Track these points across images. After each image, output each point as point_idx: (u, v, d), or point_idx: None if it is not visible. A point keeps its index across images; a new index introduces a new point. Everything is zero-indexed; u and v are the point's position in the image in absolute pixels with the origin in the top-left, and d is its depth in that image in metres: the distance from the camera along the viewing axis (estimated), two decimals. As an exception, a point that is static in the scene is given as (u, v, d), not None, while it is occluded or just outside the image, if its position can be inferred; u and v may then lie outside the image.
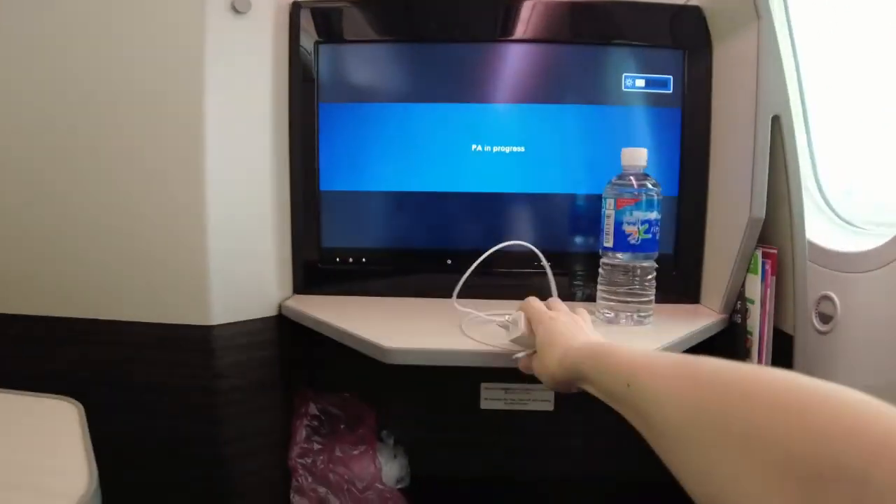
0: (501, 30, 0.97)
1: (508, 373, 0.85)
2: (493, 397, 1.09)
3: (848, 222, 1.02)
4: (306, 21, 0.95)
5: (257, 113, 0.90)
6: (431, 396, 1.09)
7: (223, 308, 0.85)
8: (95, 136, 0.84)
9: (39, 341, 0.88)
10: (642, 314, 0.83)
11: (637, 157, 0.82)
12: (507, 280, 0.98)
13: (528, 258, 0.92)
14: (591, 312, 0.87)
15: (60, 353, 0.88)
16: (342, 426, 1.02)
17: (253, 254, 0.90)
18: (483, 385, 1.08)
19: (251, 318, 0.89)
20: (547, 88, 0.97)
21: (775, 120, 0.82)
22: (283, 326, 0.93)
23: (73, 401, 0.62)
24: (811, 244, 0.98)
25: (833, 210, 1.04)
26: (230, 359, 0.86)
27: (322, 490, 0.96)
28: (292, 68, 0.94)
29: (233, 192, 0.86)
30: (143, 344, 0.85)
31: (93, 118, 0.84)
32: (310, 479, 0.96)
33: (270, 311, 0.92)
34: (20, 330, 0.88)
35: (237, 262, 0.87)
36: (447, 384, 1.07)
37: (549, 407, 1.09)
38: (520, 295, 0.81)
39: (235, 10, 0.85)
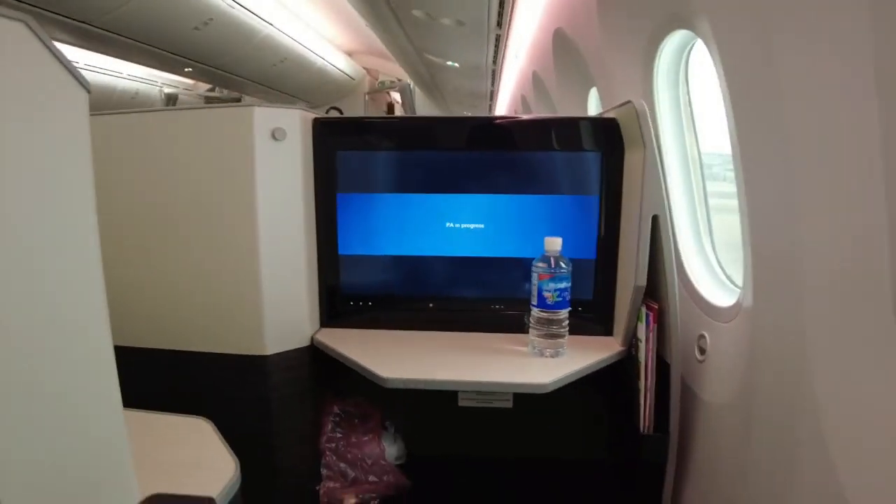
0: (467, 142, 1.36)
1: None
2: (467, 398, 1.48)
3: (733, 282, 1.34)
4: (325, 133, 1.33)
5: (293, 202, 1.28)
6: (423, 398, 1.47)
7: (274, 342, 1.26)
8: (190, 222, 1.24)
9: (159, 368, 1.28)
10: (558, 349, 1.21)
11: (554, 244, 1.19)
12: (472, 315, 1.37)
13: (488, 301, 1.34)
14: (525, 344, 1.26)
15: (160, 377, 1.27)
16: (356, 421, 1.42)
17: (293, 302, 1.30)
18: (460, 391, 1.47)
19: (292, 348, 1.29)
20: (500, 183, 1.34)
21: (655, 218, 1.17)
22: (315, 353, 1.33)
23: (206, 419, 1.02)
24: (700, 296, 1.33)
25: (724, 272, 1.37)
26: (278, 377, 1.26)
27: (342, 465, 1.37)
28: (317, 169, 1.33)
29: (278, 259, 1.25)
30: (224, 368, 1.26)
31: (186, 209, 1.23)
32: (334, 458, 1.37)
33: (305, 343, 1.32)
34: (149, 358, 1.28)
35: (282, 309, 1.27)
36: (434, 390, 1.45)
37: (509, 405, 1.48)
38: (482, 328, 1.28)
39: (275, 138, 1.23)
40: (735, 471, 1.06)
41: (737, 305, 1.15)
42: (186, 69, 5.27)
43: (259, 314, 1.23)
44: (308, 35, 5.60)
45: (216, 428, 1.00)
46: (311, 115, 1.33)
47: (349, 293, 1.39)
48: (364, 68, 8.17)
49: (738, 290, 1.19)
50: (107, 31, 3.76)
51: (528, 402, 1.46)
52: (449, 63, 4.24)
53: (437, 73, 4.99)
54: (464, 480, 1.50)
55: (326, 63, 6.51)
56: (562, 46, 2.23)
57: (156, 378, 1.27)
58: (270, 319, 1.24)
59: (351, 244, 1.37)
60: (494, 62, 3.73)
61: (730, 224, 1.22)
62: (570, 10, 1.88)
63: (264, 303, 1.23)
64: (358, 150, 1.36)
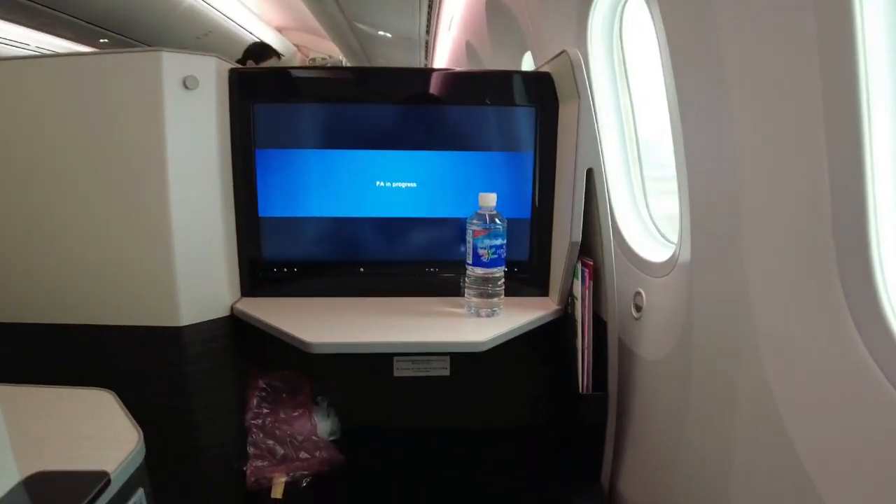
0: (398, 94, 1.27)
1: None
2: (403, 367, 1.42)
3: (666, 239, 1.35)
4: (243, 85, 1.21)
5: (207, 159, 1.17)
6: (356, 369, 1.41)
7: (188, 312, 1.15)
8: (89, 182, 1.11)
9: (59, 345, 1.15)
10: (494, 308, 1.17)
11: (488, 200, 1.14)
12: (405, 279, 1.31)
13: (422, 264, 1.27)
14: (461, 307, 1.21)
15: (58, 350, 1.16)
16: (284, 395, 1.34)
17: (209, 269, 1.19)
18: (395, 358, 1.41)
19: (210, 318, 1.19)
20: (433, 139, 1.27)
21: (590, 172, 1.14)
22: (236, 324, 1.23)
23: (108, 390, 0.92)
24: (634, 253, 1.32)
25: (657, 229, 1.37)
26: (195, 350, 1.16)
27: (270, 443, 1.28)
28: (233, 123, 1.21)
29: (191, 222, 1.14)
30: (129, 341, 1.14)
31: (84, 168, 1.10)
32: (261, 436, 1.28)
33: (224, 313, 1.22)
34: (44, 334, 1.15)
35: (198, 276, 1.16)
36: (367, 358, 1.38)
37: (446, 372, 1.43)
38: (416, 292, 1.23)
39: (186, 87, 1.12)
40: (675, 428, 1.06)
41: (672, 260, 1.15)
42: (102, 40, 4.89)
43: (171, 282, 1.12)
44: (235, 8, 5.31)
45: (119, 400, 0.89)
46: (228, 65, 1.21)
47: (272, 259, 1.29)
48: (294, 45, 7.88)
49: (673, 246, 1.19)
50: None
51: (465, 368, 1.42)
52: (381, 33, 4.11)
53: (370, 45, 4.85)
54: (402, 454, 1.45)
55: (255, 38, 6.21)
56: (495, 10, 2.18)
57: (56, 356, 1.15)
58: (184, 288, 1.13)
59: (272, 205, 1.27)
60: (428, 32, 3.64)
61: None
62: (503, -31, 1.83)
63: (177, 269, 1.12)
64: (279, 103, 1.25)
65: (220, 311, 1.21)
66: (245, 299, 1.26)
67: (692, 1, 0.89)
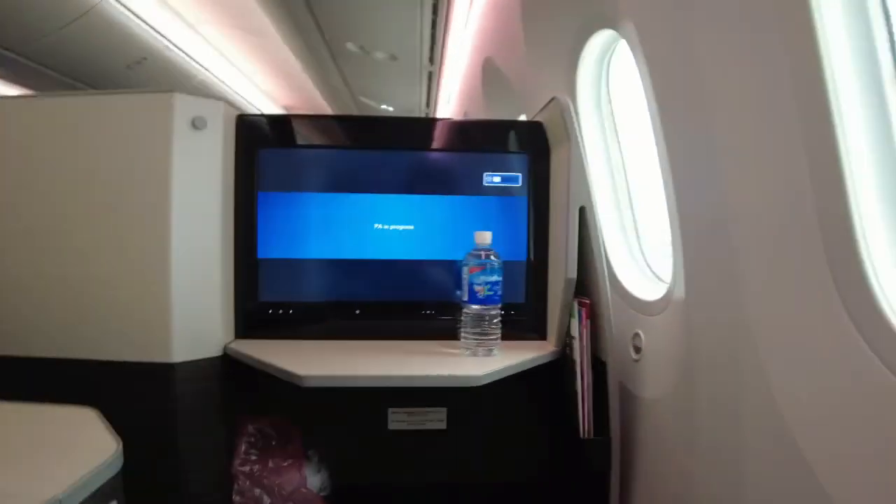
0: (396, 141, 1.32)
1: (412, 400, 1.15)
2: (398, 420, 1.37)
3: (659, 278, 1.36)
4: (249, 130, 1.26)
5: (211, 199, 1.19)
6: (349, 421, 1.36)
7: (182, 349, 1.13)
8: (90, 215, 1.12)
9: (42, 376, 1.13)
10: (490, 348, 1.15)
11: (484, 237, 1.15)
12: (401, 322, 1.29)
13: (419, 306, 1.26)
14: (457, 349, 1.19)
15: (46, 384, 1.12)
16: (274, 443, 1.29)
17: (205, 307, 1.18)
18: (390, 410, 1.37)
19: (203, 357, 1.17)
20: (429, 183, 1.30)
21: (582, 210, 1.16)
22: (229, 364, 1.21)
23: (91, 408, 0.90)
24: (629, 294, 1.32)
25: (650, 268, 1.39)
26: (186, 388, 1.13)
27: (257, 492, 1.22)
28: (237, 166, 1.25)
29: (190, 259, 1.14)
30: (120, 377, 1.12)
31: (87, 203, 1.12)
32: (248, 484, 1.22)
33: (217, 352, 1.20)
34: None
35: (193, 313, 1.15)
36: (361, 410, 1.35)
37: (443, 426, 1.38)
38: (413, 335, 1.21)
39: (195, 127, 1.16)
40: (682, 467, 1.02)
41: (666, 298, 1.15)
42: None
43: (166, 318, 1.11)
44: (244, 85, 5.58)
45: (102, 416, 0.87)
46: (236, 111, 1.27)
47: (269, 300, 1.29)
48: (302, 122, 8.18)
49: (666, 284, 1.20)
50: (30, 60, 3.51)
51: (462, 420, 1.37)
52: (384, 107, 4.30)
53: (374, 121, 5.04)
54: None
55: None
56: (491, 76, 2.30)
57: (45, 390, 1.12)
58: (179, 324, 1.13)
59: (272, 247, 1.28)
60: (428, 104, 3.82)
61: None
62: (497, 36, 1.95)
63: (172, 305, 1.12)
64: (282, 148, 1.30)
65: (214, 350, 1.19)
66: (239, 340, 1.25)
67: (674, 47, 0.95)
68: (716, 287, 0.93)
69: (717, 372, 0.94)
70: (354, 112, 4.87)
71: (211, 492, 1.19)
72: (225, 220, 1.22)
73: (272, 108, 6.69)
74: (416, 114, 4.20)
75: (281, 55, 4.43)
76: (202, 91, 4.80)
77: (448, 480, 1.41)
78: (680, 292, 1.06)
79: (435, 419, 1.38)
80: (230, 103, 1.25)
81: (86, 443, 0.78)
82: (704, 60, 0.86)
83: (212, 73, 4.65)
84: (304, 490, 1.27)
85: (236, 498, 1.20)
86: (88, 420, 0.86)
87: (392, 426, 1.37)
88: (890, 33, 0.68)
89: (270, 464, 1.26)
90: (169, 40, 3.80)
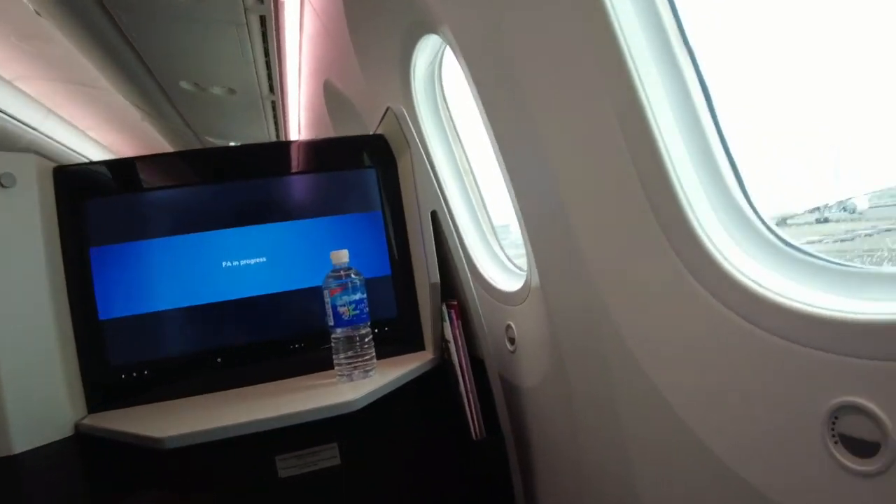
0: (235, 170, 1.24)
1: (299, 442, 1.07)
2: (287, 466, 1.28)
3: (519, 268, 1.41)
4: (70, 181, 1.13)
5: (32, 264, 1.05)
6: (233, 478, 1.25)
7: (22, 437, 0.98)
8: None
9: None
10: (367, 369, 1.12)
11: (340, 256, 1.12)
12: (269, 362, 1.21)
13: (286, 342, 1.19)
14: (334, 377, 1.14)
15: None
16: (147, 524, 1.15)
17: (45, 384, 1.03)
18: (277, 457, 1.28)
19: (51, 441, 1.02)
20: (279, 210, 1.24)
21: (434, 214, 1.17)
22: (83, 443, 1.06)
23: None
24: (495, 288, 1.35)
25: (510, 260, 1.43)
26: (35, 480, 0.98)
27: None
28: (61, 222, 1.11)
29: (18, 335, 1.00)
30: None
31: None
32: (120, 579, 1.07)
33: (68, 432, 1.05)
34: None
35: (32, 395, 1.00)
36: (244, 464, 1.24)
37: (336, 461, 1.31)
38: (284, 374, 1.15)
39: (2, 185, 1.02)
40: (570, 442, 1.05)
41: (525, 287, 1.19)
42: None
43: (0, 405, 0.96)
44: (81, 141, 5.07)
45: None
46: (51, 164, 1.13)
47: (120, 365, 1.15)
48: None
49: (525, 273, 1.24)
50: None
51: (357, 452, 1.31)
52: (232, 143, 4.11)
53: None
54: None
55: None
56: (333, 98, 2.28)
57: None
58: (16, 409, 0.97)
59: (114, 306, 1.15)
60: (277, 137, 3.70)
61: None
62: (332, 58, 1.93)
63: (4, 391, 0.96)
64: (111, 196, 1.17)
65: (63, 430, 1.04)
66: (92, 416, 1.10)
67: (489, 47, 0.98)
68: (565, 270, 0.98)
69: (583, 350, 0.98)
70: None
71: None
72: (54, 283, 1.08)
73: (104, 154, 6.15)
74: (268, 146, 4.07)
75: (115, 104, 4.08)
76: (34, 151, 4.29)
77: None
78: (536, 280, 1.10)
79: (328, 456, 1.31)
80: (45, 155, 1.11)
81: None
82: (517, 57, 0.91)
83: (41, 133, 4.17)
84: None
85: None
86: None
87: (283, 474, 1.28)
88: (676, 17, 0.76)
89: (145, 549, 1.12)
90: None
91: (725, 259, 0.69)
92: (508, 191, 1.11)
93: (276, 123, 3.38)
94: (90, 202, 1.15)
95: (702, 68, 0.76)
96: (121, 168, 1.23)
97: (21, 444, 0.98)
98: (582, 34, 0.77)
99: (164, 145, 4.98)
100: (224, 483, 1.23)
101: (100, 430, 1.02)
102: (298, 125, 3.38)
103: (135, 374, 1.16)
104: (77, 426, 1.06)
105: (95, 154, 5.53)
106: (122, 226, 1.18)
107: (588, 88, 0.79)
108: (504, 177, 1.10)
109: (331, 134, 2.64)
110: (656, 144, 0.73)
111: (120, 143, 6.36)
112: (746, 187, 0.73)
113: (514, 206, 1.11)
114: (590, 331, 0.93)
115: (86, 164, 1.21)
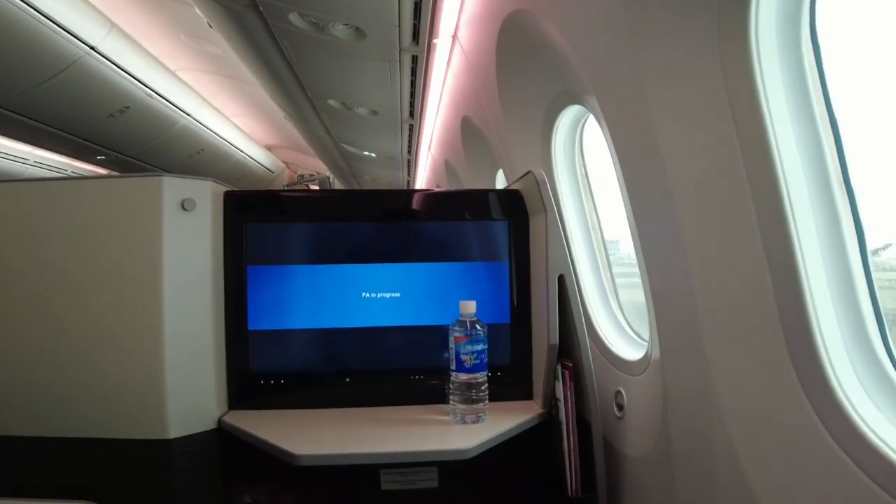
0: (382, 214, 1.39)
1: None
2: (390, 480, 1.40)
3: (641, 338, 1.41)
4: (236, 206, 1.32)
5: (201, 276, 1.24)
6: (343, 483, 1.38)
7: (177, 425, 1.16)
8: (83, 296, 1.16)
9: (36, 456, 1.15)
10: (479, 414, 1.20)
11: (469, 307, 1.20)
12: (391, 388, 1.34)
13: (408, 372, 1.31)
14: (447, 414, 1.23)
15: (40, 463, 1.15)
16: (270, 513, 1.30)
17: (198, 381, 1.21)
18: (382, 471, 1.40)
19: (197, 431, 1.19)
20: (415, 251, 1.37)
21: (561, 277, 1.22)
22: (223, 437, 1.23)
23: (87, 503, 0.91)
24: (612, 353, 1.38)
25: (631, 328, 1.44)
26: (182, 464, 1.15)
27: (254, 565, 1.24)
28: (226, 242, 1.30)
29: (182, 335, 1.18)
30: (115, 455, 1.14)
31: (80, 284, 1.16)
32: (244, 557, 1.24)
33: (212, 425, 1.22)
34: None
35: (187, 389, 1.18)
36: (353, 472, 1.37)
37: (434, 484, 1.41)
38: (402, 400, 1.26)
39: (184, 209, 1.21)
40: None
41: (646, 358, 1.20)
42: (99, 157, 5.10)
43: (160, 394, 1.14)
44: (226, 128, 5.63)
45: None
46: (223, 188, 1.32)
47: (260, 371, 1.32)
48: (284, 162, 8.26)
49: (647, 344, 1.25)
50: (13, 112, 3.60)
51: (454, 479, 1.40)
52: (366, 153, 4.39)
53: (355, 163, 5.14)
54: None
55: (245, 156, 6.51)
56: (469, 133, 2.39)
57: (38, 469, 1.14)
58: (173, 400, 1.16)
59: (262, 319, 1.32)
60: (409, 152, 3.91)
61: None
62: (475, 98, 2.04)
63: (167, 382, 1.15)
64: (270, 223, 1.35)
65: (208, 423, 1.22)
66: (232, 412, 1.27)
67: (635, 123, 1.02)
68: (684, 353, 0.99)
69: (690, 435, 0.99)
70: (337, 157, 4.94)
71: None
72: (216, 294, 1.26)
73: (253, 149, 6.74)
74: (397, 159, 4.29)
75: (262, 100, 4.51)
76: (185, 133, 4.85)
77: None
78: (657, 354, 1.12)
79: (427, 478, 1.41)
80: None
81: None
82: (661, 133, 0.93)
83: (193, 119, 4.71)
84: (299, 559, 1.28)
85: (233, 572, 1.21)
86: None
87: (385, 486, 1.39)
88: (836, 135, 0.77)
89: (266, 534, 1.27)
90: (150, 88, 3.88)
91: (854, 410, 0.68)
92: (639, 262, 1.13)
93: (409, 140, 3.58)
94: (251, 225, 1.33)
95: (855, 192, 0.75)
96: (281, 200, 1.42)
97: (175, 430, 1.16)
98: (729, 118, 0.79)
99: (299, 139, 5.40)
100: (332, 486, 1.37)
101: (240, 432, 1.18)
102: (430, 145, 3.55)
103: (272, 381, 1.33)
104: (220, 421, 1.23)
105: (238, 139, 6.10)
106: (276, 250, 1.35)
107: (731, 177, 0.81)
108: (636, 247, 1.13)
109: (461, 158, 2.77)
110: (797, 267, 0.73)
111: (261, 134, 6.98)
112: (889, 341, 0.72)
113: (642, 278, 1.13)
114: (699, 425, 0.94)
115: (251, 192, 1.40)
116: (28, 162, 5.69)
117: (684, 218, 0.92)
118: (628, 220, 1.15)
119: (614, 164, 1.16)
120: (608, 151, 1.19)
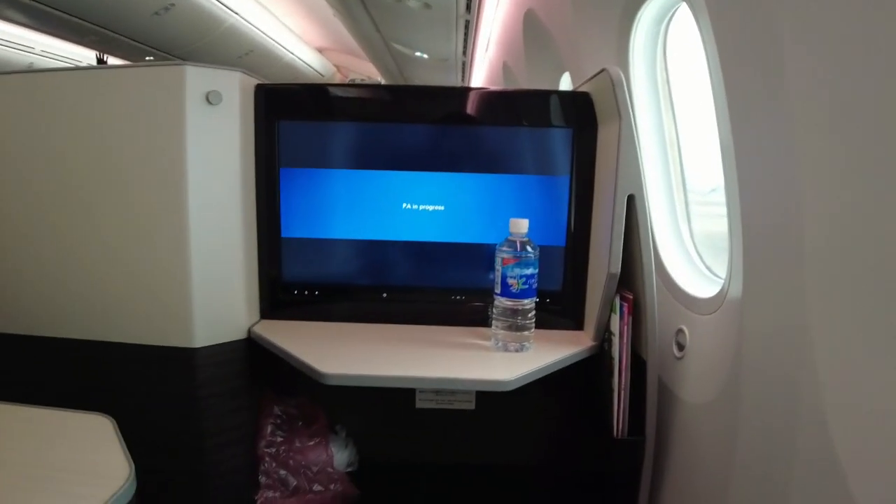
0: (428, 113, 1.22)
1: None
2: (425, 399, 1.35)
3: (714, 273, 1.25)
4: (268, 100, 1.18)
5: (229, 176, 1.13)
6: (376, 399, 1.34)
7: (204, 334, 1.11)
8: (105, 193, 1.08)
9: (68, 360, 1.13)
10: (523, 343, 1.09)
11: (520, 226, 1.06)
12: (430, 307, 1.24)
13: (448, 291, 1.21)
14: (488, 339, 1.13)
15: (64, 365, 1.12)
16: (300, 423, 1.28)
17: (227, 289, 1.15)
18: (417, 390, 1.34)
19: (226, 340, 1.14)
20: (463, 160, 1.21)
21: (631, 198, 1.06)
22: (252, 347, 1.18)
23: (107, 416, 0.87)
24: (678, 287, 1.23)
25: (703, 262, 1.28)
26: (208, 373, 1.11)
27: (283, 473, 1.22)
28: (257, 141, 1.18)
29: (209, 240, 1.10)
30: (140, 361, 1.11)
31: (101, 180, 1.08)
32: (274, 465, 1.22)
33: (241, 335, 1.17)
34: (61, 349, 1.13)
35: (215, 297, 1.12)
36: (388, 389, 1.32)
37: (471, 406, 1.35)
38: (441, 321, 1.18)
39: (209, 102, 1.09)
40: (718, 478, 0.96)
41: (720, 296, 1.06)
42: (147, 58, 5.05)
43: (187, 301, 1.08)
44: (276, 28, 5.41)
45: (117, 429, 0.84)
46: (254, 81, 1.18)
47: (292, 281, 1.24)
48: (334, 65, 8.01)
49: (720, 280, 1.10)
50: (57, 10, 3.55)
51: (491, 402, 1.33)
52: (418, 54, 4.12)
53: (407, 66, 4.87)
54: (421, 490, 1.37)
55: (295, 58, 6.32)
56: (532, 30, 2.13)
57: (63, 372, 1.12)
58: (200, 308, 1.09)
59: (295, 226, 1.22)
60: (464, 53, 3.63)
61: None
62: (542, -12, 1.78)
63: (193, 288, 1.08)
64: (305, 121, 1.21)
65: (237, 333, 1.16)
66: (263, 322, 1.21)
67: (746, 10, 0.81)
68: (777, 293, 0.84)
69: (767, 383, 0.86)
70: (388, 59, 4.68)
71: (236, 474, 1.19)
72: (246, 197, 1.16)
73: (303, 50, 6.53)
74: (451, 61, 4.01)
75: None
76: (232, 33, 4.69)
77: (475, 461, 1.39)
78: (736, 292, 0.97)
79: (464, 399, 1.35)
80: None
81: (96, 467, 0.75)
82: (785, 36, 0.73)
83: (241, 17, 4.52)
84: (329, 469, 1.27)
85: (262, 479, 1.20)
86: (102, 434, 0.83)
87: (420, 405, 1.35)
88: None
89: (296, 444, 1.25)
90: (197, -16, 3.71)
91: None
92: (728, 188, 0.96)
93: (465, 40, 3.30)
94: (284, 123, 1.20)
95: None
96: (318, 93, 1.27)
97: (202, 339, 1.10)
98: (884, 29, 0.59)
99: (353, 46, 5.15)
100: (367, 401, 1.33)
101: (269, 344, 1.12)
102: (487, 45, 3.26)
103: (306, 292, 1.25)
104: (250, 332, 1.17)
105: (288, 40, 5.89)
106: (312, 151, 1.22)
107: (868, 112, 0.62)
108: (727, 171, 0.95)
109: (521, 61, 2.51)
110: None
111: (312, 35, 6.71)
112: None
113: (729, 207, 0.96)
114: (783, 373, 0.80)
115: (285, 84, 1.25)
116: (81, 64, 5.70)
117: (806, 141, 0.73)
118: (721, 136, 0.96)
119: (711, 69, 0.95)
120: (704, 51, 0.98)
